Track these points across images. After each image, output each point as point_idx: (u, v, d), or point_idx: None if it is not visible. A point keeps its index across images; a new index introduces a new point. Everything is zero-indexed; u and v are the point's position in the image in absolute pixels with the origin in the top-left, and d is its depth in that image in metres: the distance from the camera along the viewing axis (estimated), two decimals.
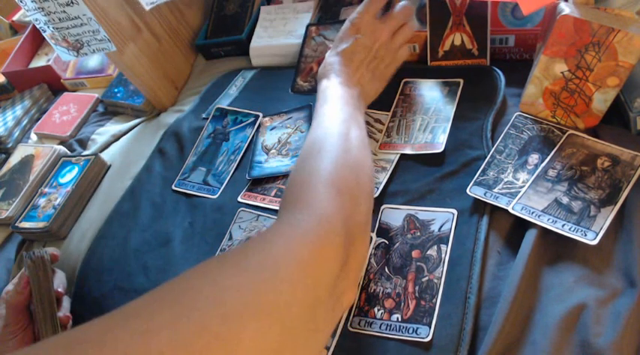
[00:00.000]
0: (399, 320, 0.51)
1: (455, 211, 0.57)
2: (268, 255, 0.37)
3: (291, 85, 0.83)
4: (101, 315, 0.68)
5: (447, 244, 0.55)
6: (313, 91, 0.81)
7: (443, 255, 0.54)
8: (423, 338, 0.49)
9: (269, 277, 0.35)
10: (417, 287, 0.53)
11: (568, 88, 0.59)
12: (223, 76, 0.94)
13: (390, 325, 0.51)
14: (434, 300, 0.51)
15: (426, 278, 0.53)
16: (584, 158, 0.57)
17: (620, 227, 0.52)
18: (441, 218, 0.57)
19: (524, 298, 0.49)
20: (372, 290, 0.54)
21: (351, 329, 0.52)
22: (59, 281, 0.65)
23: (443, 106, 0.69)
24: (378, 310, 0.53)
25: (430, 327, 0.50)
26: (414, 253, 0.56)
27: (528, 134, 0.62)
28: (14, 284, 0.60)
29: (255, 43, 0.91)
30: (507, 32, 0.72)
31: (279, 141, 0.75)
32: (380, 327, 0.51)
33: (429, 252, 0.55)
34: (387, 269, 0.55)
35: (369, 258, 0.56)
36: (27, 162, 0.91)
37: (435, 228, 0.57)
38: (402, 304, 0.52)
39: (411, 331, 0.50)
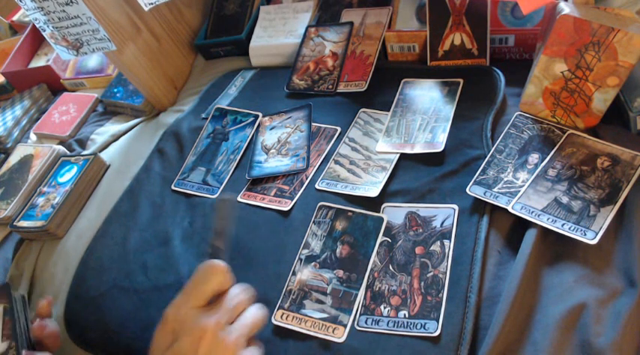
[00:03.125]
0: (407, 316, 0.51)
1: (456, 206, 0.57)
2: None
3: (287, 83, 0.83)
4: (99, 314, 0.68)
5: (449, 239, 0.55)
6: (309, 90, 0.81)
7: (447, 250, 0.54)
8: (431, 333, 0.49)
9: None
10: (422, 283, 0.53)
11: (568, 87, 0.59)
12: (223, 76, 0.94)
13: (398, 322, 0.51)
14: (440, 295, 0.51)
15: (431, 273, 0.53)
16: (584, 158, 0.57)
17: (620, 226, 0.52)
18: (443, 214, 0.57)
19: (524, 298, 0.48)
20: (377, 289, 0.54)
21: (358, 328, 0.52)
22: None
23: (443, 106, 0.69)
24: (385, 308, 0.53)
25: (438, 322, 0.50)
26: (418, 249, 0.56)
27: (528, 133, 0.62)
28: None
29: (255, 42, 0.91)
30: (507, 32, 0.72)
31: (278, 141, 0.75)
32: (387, 325, 0.51)
33: (432, 248, 0.55)
34: (391, 267, 0.55)
35: (373, 257, 0.57)
36: (26, 161, 0.91)
37: (437, 223, 0.57)
38: (409, 300, 0.52)
39: (419, 327, 0.50)
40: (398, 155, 0.66)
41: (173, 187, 0.75)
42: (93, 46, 0.80)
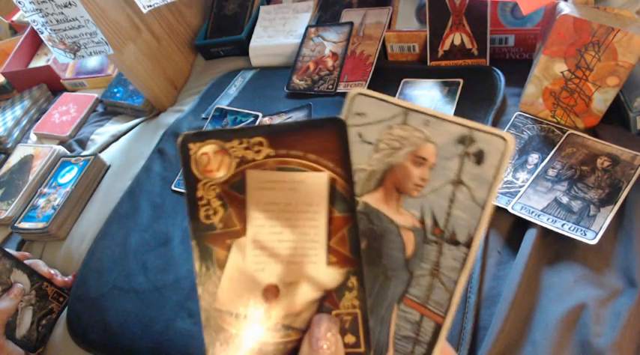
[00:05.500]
0: None
1: None
2: None
3: (287, 83, 0.83)
4: (100, 315, 0.68)
5: None
6: (309, 90, 0.81)
7: None
8: None
9: None
10: None
11: (568, 87, 0.59)
12: (223, 76, 0.94)
13: None
14: None
15: None
16: (584, 158, 0.57)
17: (620, 226, 0.52)
18: None
19: (524, 298, 0.48)
20: None
21: None
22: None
23: (442, 106, 0.69)
24: None
25: None
26: None
27: (528, 134, 0.62)
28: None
29: (255, 42, 0.91)
30: (507, 32, 0.72)
31: None
32: None
33: None
34: None
35: None
36: (26, 162, 0.91)
37: None
38: None
39: None
40: None
41: (173, 187, 0.76)
42: (90, 49, 0.80)
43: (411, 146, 0.25)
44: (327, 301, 0.25)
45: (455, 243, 0.25)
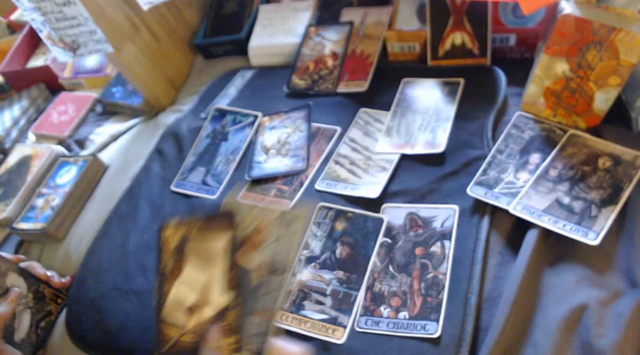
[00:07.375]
0: (407, 317, 0.51)
1: (456, 207, 0.57)
2: None
3: (287, 83, 0.83)
4: (99, 316, 0.67)
5: (450, 240, 0.55)
6: (309, 89, 0.80)
7: (447, 251, 0.54)
8: (431, 334, 0.49)
9: None
10: (422, 284, 0.53)
11: (569, 87, 0.59)
12: (222, 76, 0.93)
13: (398, 323, 0.51)
14: (440, 296, 0.51)
15: (431, 274, 0.53)
16: (585, 158, 0.57)
17: (622, 227, 0.52)
18: (443, 214, 0.57)
19: (525, 299, 0.48)
20: (377, 290, 0.54)
21: (357, 329, 0.52)
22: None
23: (443, 106, 0.69)
24: (385, 309, 0.53)
25: (438, 323, 0.50)
26: (418, 250, 0.56)
27: (529, 134, 0.62)
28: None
29: (254, 42, 0.90)
30: (508, 31, 0.71)
31: (278, 141, 0.75)
32: (387, 326, 0.51)
33: (432, 249, 0.55)
34: (391, 268, 0.55)
35: (373, 258, 0.56)
36: (24, 162, 0.91)
37: (437, 224, 0.57)
38: (409, 301, 0.52)
39: (419, 328, 0.50)
40: (398, 155, 0.65)
41: (172, 188, 0.75)
42: (90, 47, 0.79)
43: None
44: (220, 316, 0.45)
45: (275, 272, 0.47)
